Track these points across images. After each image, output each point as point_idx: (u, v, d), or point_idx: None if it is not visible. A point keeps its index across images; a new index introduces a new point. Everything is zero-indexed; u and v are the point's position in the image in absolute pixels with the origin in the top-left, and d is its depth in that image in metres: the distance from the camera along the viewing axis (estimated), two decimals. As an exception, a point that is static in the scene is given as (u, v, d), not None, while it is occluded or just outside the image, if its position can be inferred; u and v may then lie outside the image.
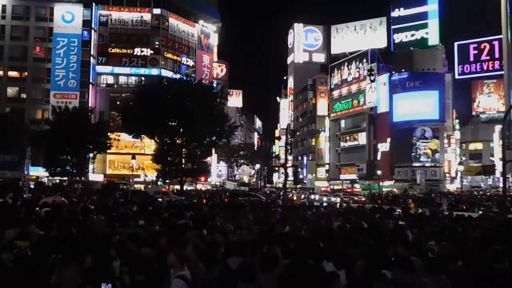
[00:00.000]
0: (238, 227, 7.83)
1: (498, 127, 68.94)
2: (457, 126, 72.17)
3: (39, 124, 49.22)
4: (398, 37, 68.26)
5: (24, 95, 57.22)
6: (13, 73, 57.22)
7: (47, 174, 43.25)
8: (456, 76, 77.90)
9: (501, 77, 69.95)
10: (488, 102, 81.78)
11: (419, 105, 59.68)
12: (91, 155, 46.74)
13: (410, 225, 9.34)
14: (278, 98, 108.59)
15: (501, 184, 61.48)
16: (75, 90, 56.11)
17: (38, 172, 45.22)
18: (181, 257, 4.50)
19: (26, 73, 57.05)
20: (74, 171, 42.10)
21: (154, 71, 58.79)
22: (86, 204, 15.01)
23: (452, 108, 69.51)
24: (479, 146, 74.81)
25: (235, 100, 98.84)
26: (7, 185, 25.51)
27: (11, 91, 57.32)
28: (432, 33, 66.58)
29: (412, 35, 66.47)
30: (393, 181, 60.36)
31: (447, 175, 64.08)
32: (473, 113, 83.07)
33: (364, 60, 68.79)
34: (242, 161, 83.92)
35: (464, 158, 73.39)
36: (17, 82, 57.32)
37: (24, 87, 57.14)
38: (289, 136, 39.27)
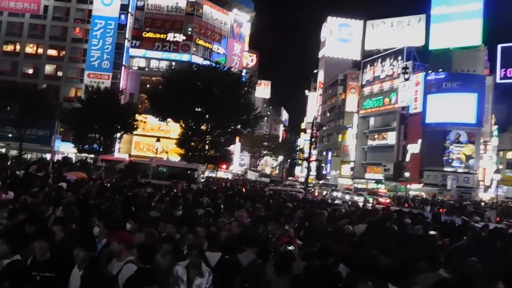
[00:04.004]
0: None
1: (538, 136, 65.63)
2: (495, 132, 68.96)
3: (72, 102, 50.27)
4: (437, 36, 65.75)
5: (60, 73, 58.70)
6: (52, 52, 58.72)
7: (75, 150, 44.25)
8: (498, 80, 74.41)
9: (546, 83, 66.50)
10: (529, 109, 77.89)
11: (455, 107, 57.26)
12: (118, 135, 47.50)
13: (441, 234, 8.59)
14: (306, 91, 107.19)
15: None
16: (108, 71, 56.92)
17: (67, 147, 46.18)
18: (126, 244, 4.47)
19: (64, 52, 58.56)
20: (101, 149, 42.82)
21: (185, 57, 58.96)
22: (103, 183, 14.88)
23: (492, 113, 66.40)
24: (517, 155, 71.40)
25: (263, 90, 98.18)
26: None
27: (49, 68, 58.85)
28: (475, 33, 63.72)
29: (452, 35, 63.79)
30: (422, 184, 58.39)
31: (481, 183, 61.40)
32: (513, 120, 79.30)
33: (399, 58, 66.64)
34: (265, 152, 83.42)
35: (501, 167, 70.12)
36: (55, 61, 58.77)
37: (61, 66, 58.64)
38: (315, 130, 38.44)
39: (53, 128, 38.64)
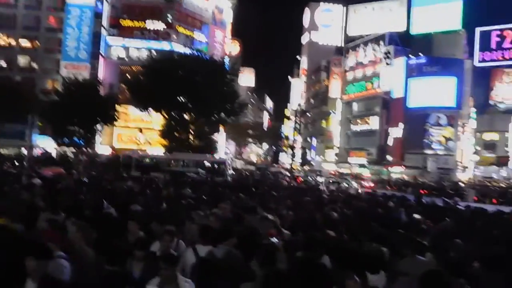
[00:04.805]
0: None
1: (515, 118, 66.99)
2: (473, 115, 70.29)
3: (49, 94, 49.02)
4: (418, 20, 66.15)
5: (35, 65, 56.86)
6: (25, 43, 56.72)
7: (55, 144, 43.37)
8: (476, 64, 75.46)
9: (522, 66, 67.77)
10: (507, 91, 79.17)
11: (435, 91, 58.07)
12: (99, 127, 46.63)
13: (424, 216, 8.63)
14: (290, 78, 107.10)
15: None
16: (86, 62, 55.55)
17: (46, 142, 45.21)
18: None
19: (38, 43, 56.57)
20: (82, 142, 42.05)
21: (166, 45, 57.82)
22: (81, 178, 14.55)
23: (470, 96, 67.61)
24: (494, 136, 72.79)
25: (247, 78, 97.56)
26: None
27: (22, 60, 56.95)
28: (455, 17, 64.26)
29: (433, 19, 64.22)
30: (403, 167, 59.36)
31: (459, 164, 62.77)
32: (491, 102, 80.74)
33: (381, 43, 66.92)
34: (250, 140, 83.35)
35: (478, 148, 71.62)
36: (29, 52, 56.79)
37: (36, 57, 56.69)
38: (299, 116, 38.48)
39: (32, 123, 37.85)
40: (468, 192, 33.43)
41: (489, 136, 73.54)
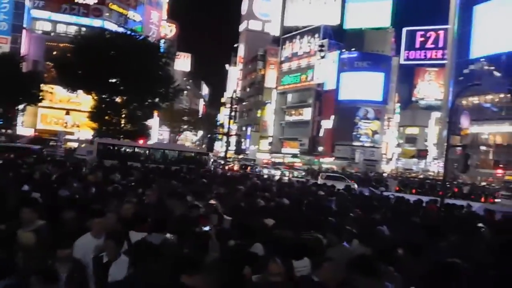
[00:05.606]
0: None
1: (434, 114, 72.53)
2: (398, 110, 75.02)
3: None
4: (352, 15, 68.83)
5: None
6: None
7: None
8: (402, 61, 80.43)
9: (442, 66, 73.29)
10: (428, 89, 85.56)
11: (365, 85, 60.92)
12: (20, 107, 43.17)
13: (353, 205, 9.04)
14: (227, 66, 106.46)
15: (431, 168, 64.97)
16: (6, 34, 51.03)
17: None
18: None
19: None
20: (1, 122, 38.68)
21: (97, 23, 54.61)
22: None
23: (395, 92, 71.93)
24: (415, 130, 78.52)
25: (183, 63, 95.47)
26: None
27: None
28: (385, 15, 67.63)
29: (365, 15, 67.14)
30: (333, 158, 61.88)
31: (384, 156, 66.81)
32: (413, 98, 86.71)
33: (316, 35, 68.66)
34: (185, 126, 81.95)
35: (401, 141, 76.82)
36: None
37: None
38: (234, 104, 38.41)
39: None
40: (391, 182, 35.66)
41: (411, 131, 79.20)
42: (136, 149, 29.76)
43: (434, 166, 64.67)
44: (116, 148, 28.89)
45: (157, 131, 69.96)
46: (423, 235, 5.58)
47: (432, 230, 5.70)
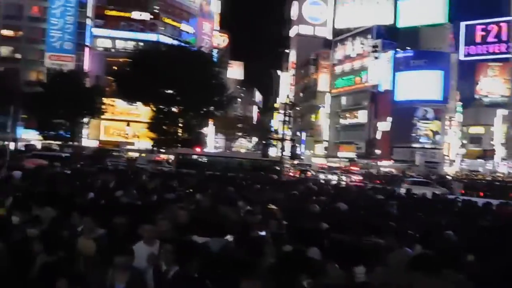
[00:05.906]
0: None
1: (500, 111, 67.92)
2: (460, 109, 71.15)
3: (33, 86, 48.00)
4: (405, 13, 66.45)
5: (18, 56, 55.57)
6: (7, 32, 55.37)
7: (40, 137, 42.54)
8: (461, 58, 76.19)
9: (507, 60, 68.57)
10: (492, 85, 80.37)
11: (422, 85, 58.45)
12: (85, 120, 45.92)
13: (415, 209, 8.59)
14: (278, 72, 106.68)
15: (500, 169, 60.96)
16: (71, 53, 54.46)
17: (31, 135, 44.34)
18: None
19: (21, 33, 55.25)
20: (68, 135, 41.36)
21: (153, 37, 56.95)
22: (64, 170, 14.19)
23: (456, 90, 68.34)
24: (480, 130, 74.02)
25: (235, 71, 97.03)
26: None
27: (4, 50, 55.55)
28: (440, 11, 64.64)
29: (419, 12, 64.54)
30: (392, 161, 59.79)
31: (446, 157, 63.53)
32: (476, 96, 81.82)
33: (369, 36, 67.02)
34: (240, 134, 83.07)
35: (464, 142, 72.63)
36: (12, 42, 55.41)
37: (19, 47, 55.34)
38: (288, 109, 38.30)
39: (16, 115, 37.01)
40: (455, 185, 33.71)
41: (475, 130, 74.74)
42: (213, 159, 30.16)
43: (503, 167, 60.48)
44: (193, 158, 29.49)
45: (213, 139, 71.50)
46: (494, 239, 5.15)
47: (503, 234, 5.25)
